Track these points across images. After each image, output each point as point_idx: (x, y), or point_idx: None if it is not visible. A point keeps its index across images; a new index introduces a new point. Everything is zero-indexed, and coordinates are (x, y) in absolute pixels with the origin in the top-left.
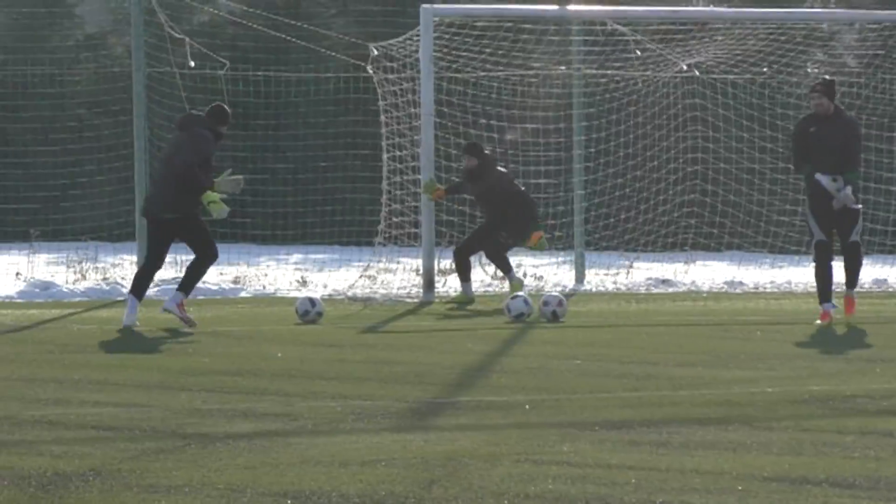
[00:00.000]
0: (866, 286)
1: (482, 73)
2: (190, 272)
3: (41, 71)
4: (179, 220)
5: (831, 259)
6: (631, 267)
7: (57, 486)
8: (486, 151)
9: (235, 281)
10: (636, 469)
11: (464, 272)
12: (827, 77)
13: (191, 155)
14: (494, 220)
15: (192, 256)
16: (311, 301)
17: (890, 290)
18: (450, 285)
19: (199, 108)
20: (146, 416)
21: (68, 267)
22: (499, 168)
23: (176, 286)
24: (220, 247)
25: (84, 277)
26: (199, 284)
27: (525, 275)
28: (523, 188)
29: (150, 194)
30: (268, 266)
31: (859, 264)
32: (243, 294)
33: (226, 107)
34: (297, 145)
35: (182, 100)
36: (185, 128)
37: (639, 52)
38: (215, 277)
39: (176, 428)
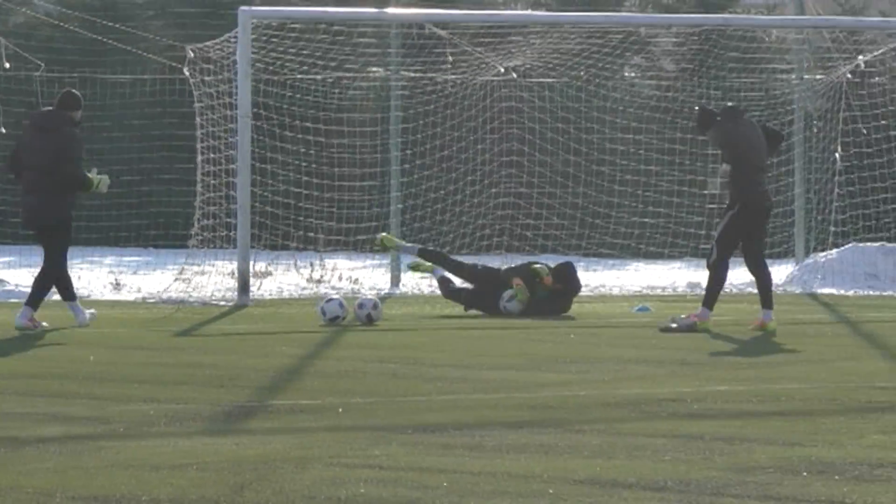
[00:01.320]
0: (679, 289)
1: (299, 76)
2: (37, 285)
3: None
4: (59, 225)
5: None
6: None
7: None
8: None
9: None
10: (448, 472)
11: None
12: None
13: (76, 162)
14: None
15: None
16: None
17: (702, 293)
18: (264, 288)
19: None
20: None
21: None
22: None
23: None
24: (33, 248)
25: None
26: (11, 287)
27: (340, 278)
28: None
29: (32, 205)
30: (81, 269)
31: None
32: (55, 297)
33: (75, 91)
34: (114, 147)
35: None
36: (48, 129)
37: (451, 59)
38: (28, 280)
39: None
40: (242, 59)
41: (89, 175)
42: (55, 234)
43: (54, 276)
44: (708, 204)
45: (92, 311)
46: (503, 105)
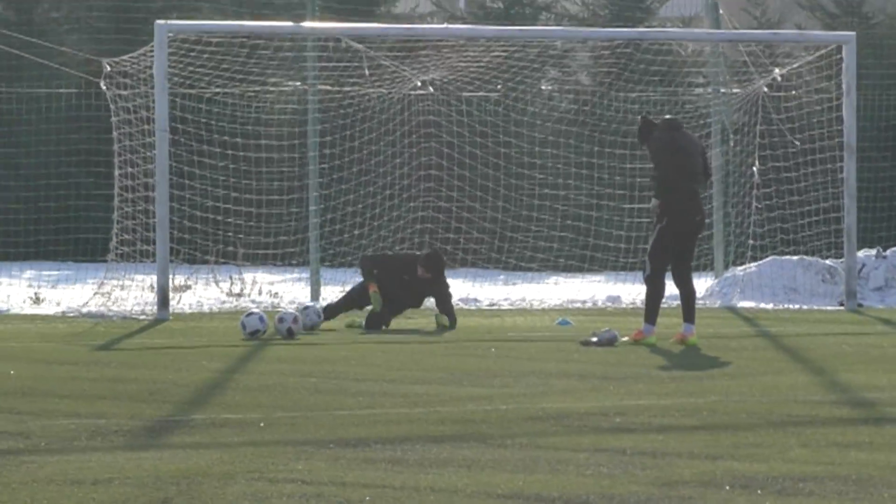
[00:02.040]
0: (599, 303)
1: (217, 90)
2: None
3: None
4: None
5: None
6: None
7: None
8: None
9: None
10: (371, 487)
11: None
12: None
13: None
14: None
15: None
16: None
17: (623, 306)
18: (184, 302)
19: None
20: None
21: None
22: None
23: None
24: None
25: None
26: None
27: (261, 291)
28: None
29: None
30: None
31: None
32: None
33: None
34: (30, 162)
35: None
36: None
37: (367, 73)
38: None
39: None
40: (159, 73)
41: None
42: None
43: None
44: (626, 217)
45: None
46: (421, 119)
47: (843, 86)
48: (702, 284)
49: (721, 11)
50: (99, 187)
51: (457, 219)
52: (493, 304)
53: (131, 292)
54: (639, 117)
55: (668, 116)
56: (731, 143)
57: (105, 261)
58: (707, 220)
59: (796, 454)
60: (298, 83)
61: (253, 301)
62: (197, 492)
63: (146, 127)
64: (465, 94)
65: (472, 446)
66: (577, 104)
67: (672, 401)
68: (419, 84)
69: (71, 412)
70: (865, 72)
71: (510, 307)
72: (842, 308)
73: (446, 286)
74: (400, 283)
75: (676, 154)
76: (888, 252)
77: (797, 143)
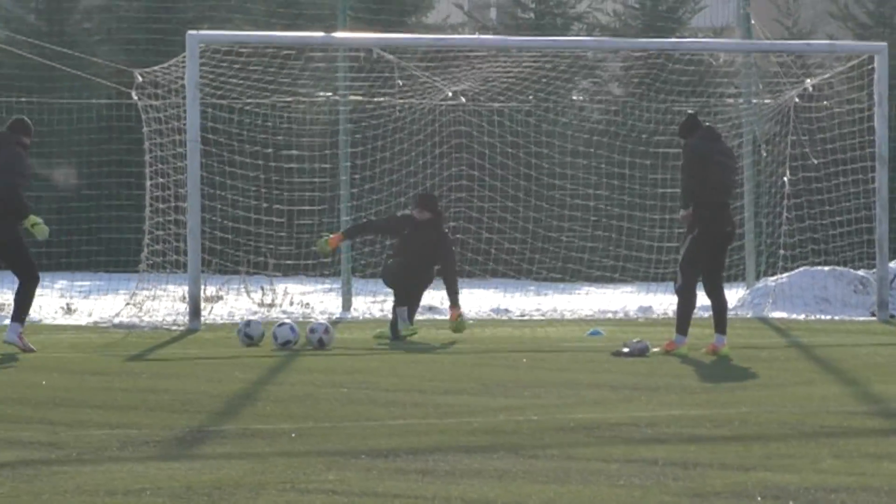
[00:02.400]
0: (631, 313)
1: (248, 100)
2: (19, 299)
3: None
4: (5, 245)
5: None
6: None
7: None
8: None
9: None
10: (402, 497)
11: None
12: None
13: (15, 177)
14: (422, 269)
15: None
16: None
17: (654, 316)
18: (216, 312)
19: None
20: None
21: None
22: (445, 229)
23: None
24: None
25: None
26: None
27: (292, 302)
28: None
29: None
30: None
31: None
32: (6, 322)
33: (26, 119)
34: (63, 172)
35: None
36: None
37: (400, 83)
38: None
39: None
40: (190, 84)
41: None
42: (8, 252)
43: (34, 285)
44: (658, 228)
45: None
46: (452, 129)
47: (875, 96)
48: (733, 295)
49: (753, 22)
50: (130, 198)
51: (488, 229)
52: (524, 315)
53: (163, 303)
54: (688, 111)
55: (707, 124)
56: (763, 154)
57: (137, 271)
58: (738, 231)
59: (828, 465)
60: (330, 93)
61: (284, 311)
62: (228, 502)
63: (177, 137)
64: (496, 104)
65: (503, 457)
66: (608, 115)
67: (703, 411)
68: (450, 94)
69: (103, 422)
70: None
71: (541, 318)
72: (873, 318)
73: (449, 241)
74: (406, 240)
75: (711, 166)
76: None
77: (814, 160)
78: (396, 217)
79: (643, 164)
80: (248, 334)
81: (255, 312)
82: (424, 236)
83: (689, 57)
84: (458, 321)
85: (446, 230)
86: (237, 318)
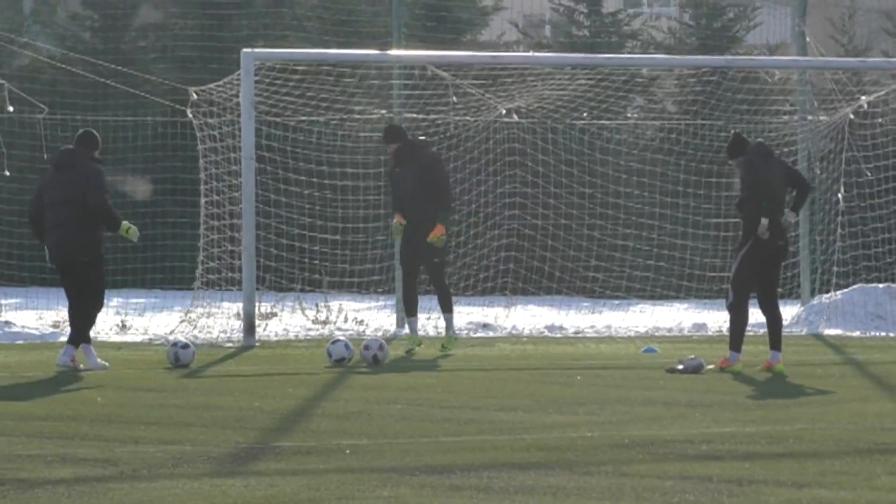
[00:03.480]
0: (685, 330)
1: (303, 117)
2: (80, 321)
3: None
4: (91, 262)
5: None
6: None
7: None
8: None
9: (55, 325)
10: None
11: (410, 305)
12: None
13: (100, 191)
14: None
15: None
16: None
17: (709, 334)
18: (270, 329)
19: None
20: None
21: None
22: (423, 150)
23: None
24: (39, 291)
25: None
26: (18, 329)
27: (346, 319)
28: (446, 173)
29: (58, 240)
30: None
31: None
32: (63, 339)
33: (93, 131)
34: (117, 190)
35: (0, 144)
36: (68, 166)
37: (454, 100)
38: (34, 322)
39: None
40: (245, 101)
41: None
42: (87, 273)
43: (98, 308)
44: (712, 245)
45: (105, 363)
46: (506, 146)
47: None
48: (788, 312)
49: (808, 39)
50: (185, 215)
51: (541, 246)
52: (579, 332)
53: (217, 320)
54: (732, 131)
55: (759, 140)
56: (818, 171)
57: (191, 288)
58: (792, 248)
59: (883, 482)
60: (384, 111)
61: (338, 328)
62: None
63: (232, 155)
64: (550, 122)
65: (557, 473)
66: (662, 132)
67: (758, 428)
68: (504, 112)
69: (157, 439)
70: None
71: (595, 335)
72: None
73: (436, 160)
74: (397, 180)
75: (760, 183)
76: None
77: (868, 173)
78: (387, 170)
79: (697, 181)
80: (178, 356)
81: (310, 329)
82: (406, 167)
83: (744, 74)
84: (438, 237)
85: (426, 150)
86: (291, 335)
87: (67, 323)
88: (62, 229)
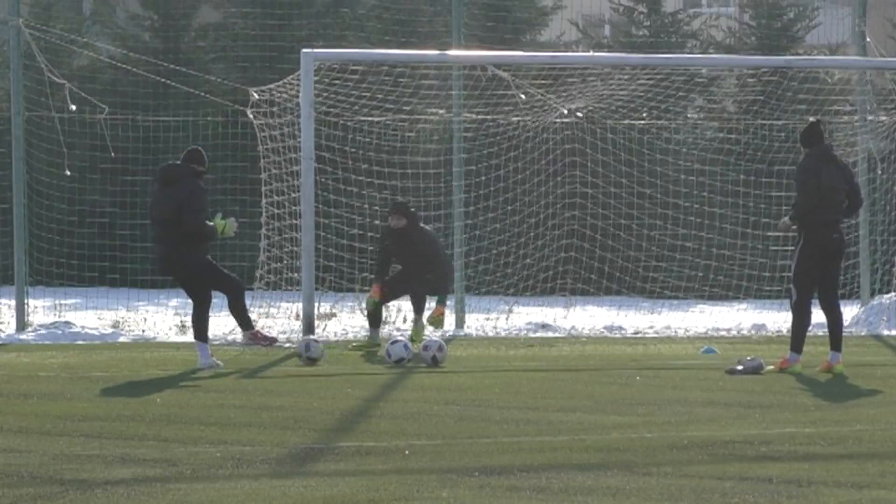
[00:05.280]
0: (744, 331)
1: (363, 118)
2: (194, 322)
3: None
4: (192, 275)
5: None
6: (510, 311)
7: None
8: (413, 210)
9: (115, 325)
10: None
11: (375, 318)
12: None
13: (196, 213)
14: (414, 273)
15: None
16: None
17: (768, 334)
18: (329, 330)
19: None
20: (24, 461)
21: None
22: (423, 227)
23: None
24: (99, 291)
25: None
26: (78, 329)
27: (405, 319)
28: (445, 253)
29: (161, 255)
30: (146, 311)
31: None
32: (122, 339)
33: (200, 148)
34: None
35: (61, 144)
36: (171, 181)
37: (523, 96)
38: (94, 322)
39: (54, 474)
40: (305, 102)
41: (213, 222)
42: (192, 283)
43: (201, 312)
44: (772, 245)
45: (219, 362)
46: (566, 147)
47: None
48: (848, 312)
49: (868, 39)
50: (245, 215)
51: (601, 247)
52: (638, 333)
53: (277, 320)
54: (810, 118)
55: (825, 143)
56: (879, 171)
57: (251, 288)
58: (852, 249)
59: None
60: (443, 111)
61: (397, 329)
62: None
63: (292, 155)
64: (610, 122)
65: (616, 474)
66: (722, 132)
67: (817, 429)
68: (565, 112)
69: (216, 440)
70: None
71: (655, 335)
72: None
73: (435, 241)
74: (392, 252)
75: (818, 189)
76: None
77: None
78: (379, 237)
79: (758, 182)
80: (311, 357)
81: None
82: (406, 243)
83: (804, 74)
84: (438, 318)
85: (426, 228)
86: (350, 336)
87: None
88: (164, 245)
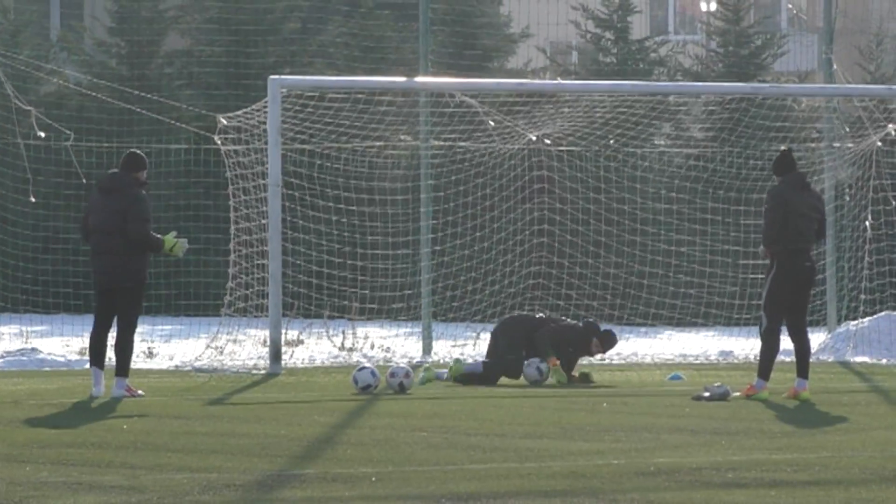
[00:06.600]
0: (712, 357)
1: (330, 144)
2: (122, 351)
3: None
4: (135, 287)
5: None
6: (478, 338)
7: None
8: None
9: (81, 352)
10: None
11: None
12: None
13: (142, 222)
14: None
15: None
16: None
17: (735, 361)
18: (297, 356)
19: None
20: None
21: None
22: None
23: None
24: (65, 318)
25: None
26: (45, 356)
27: (372, 346)
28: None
29: (104, 265)
30: (112, 337)
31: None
32: (88, 366)
33: (139, 152)
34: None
35: (27, 170)
36: (112, 190)
37: (492, 123)
38: (60, 349)
39: (19, 501)
40: (272, 128)
41: (165, 237)
42: (129, 296)
43: (131, 337)
44: (740, 273)
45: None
46: (534, 174)
47: None
48: (815, 339)
49: (835, 66)
50: (210, 241)
51: (569, 274)
52: (605, 359)
53: (244, 346)
54: (782, 147)
55: (799, 171)
56: (846, 198)
57: (218, 315)
58: (820, 276)
59: None
60: (411, 138)
61: (364, 356)
62: None
63: (260, 182)
64: (577, 148)
65: (583, 501)
66: (690, 159)
67: (784, 456)
68: (532, 139)
69: (183, 466)
70: None
71: (622, 362)
72: None
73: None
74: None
75: (788, 217)
76: None
77: (894, 201)
78: (577, 328)
79: (725, 209)
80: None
81: (336, 356)
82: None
83: (772, 102)
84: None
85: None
86: (318, 362)
87: (112, 351)
88: (108, 255)
